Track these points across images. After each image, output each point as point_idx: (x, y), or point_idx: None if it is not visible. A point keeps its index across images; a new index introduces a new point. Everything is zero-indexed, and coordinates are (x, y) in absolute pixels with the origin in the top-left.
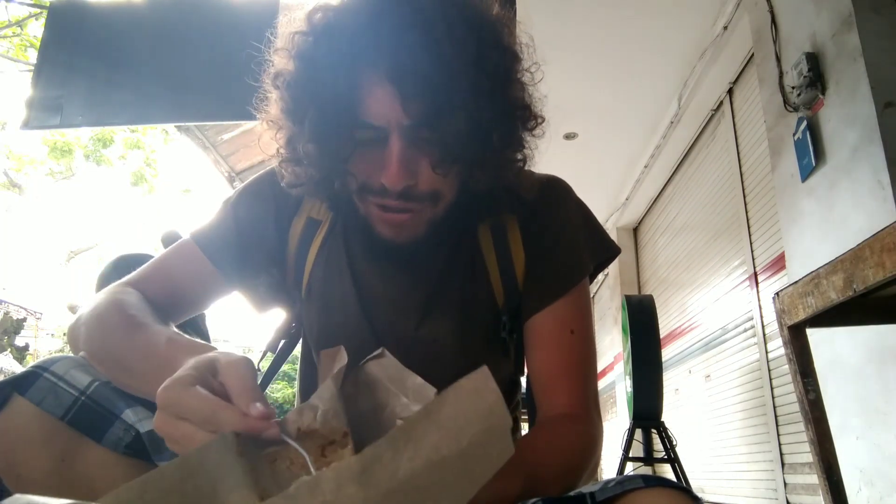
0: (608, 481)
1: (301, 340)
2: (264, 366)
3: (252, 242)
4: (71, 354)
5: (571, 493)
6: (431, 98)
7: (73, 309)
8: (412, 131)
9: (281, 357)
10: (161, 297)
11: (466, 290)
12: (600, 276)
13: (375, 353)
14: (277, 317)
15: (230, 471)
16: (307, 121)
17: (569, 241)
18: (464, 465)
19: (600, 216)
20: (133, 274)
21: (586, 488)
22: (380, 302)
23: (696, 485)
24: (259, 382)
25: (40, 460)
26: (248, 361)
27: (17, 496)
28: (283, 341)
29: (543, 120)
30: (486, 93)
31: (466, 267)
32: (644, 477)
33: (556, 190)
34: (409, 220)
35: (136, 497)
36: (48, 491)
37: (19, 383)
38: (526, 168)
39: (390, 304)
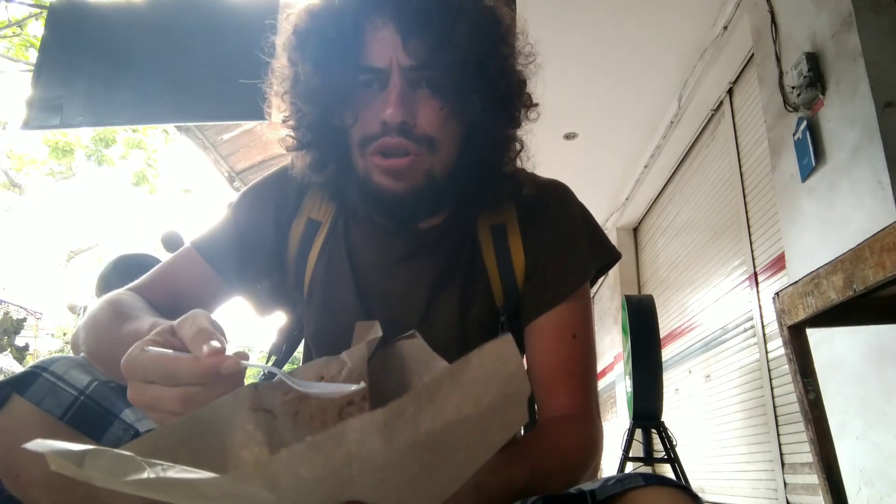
0: (608, 479)
1: (303, 343)
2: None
3: (252, 247)
4: (70, 354)
5: (572, 491)
6: (431, 39)
7: (73, 309)
8: (411, 72)
9: (283, 360)
10: (164, 302)
11: (466, 290)
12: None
13: (407, 334)
14: (280, 319)
15: (242, 426)
16: (313, 62)
17: (570, 245)
18: (483, 427)
19: (600, 216)
20: (136, 281)
21: (586, 486)
22: (381, 301)
23: (696, 485)
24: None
25: (40, 460)
26: (203, 312)
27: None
28: (284, 344)
29: (537, 104)
30: (483, 44)
31: (466, 266)
32: (644, 475)
33: (557, 193)
34: (408, 166)
35: (147, 452)
36: (48, 491)
37: (18, 383)
38: (526, 169)
39: (392, 304)
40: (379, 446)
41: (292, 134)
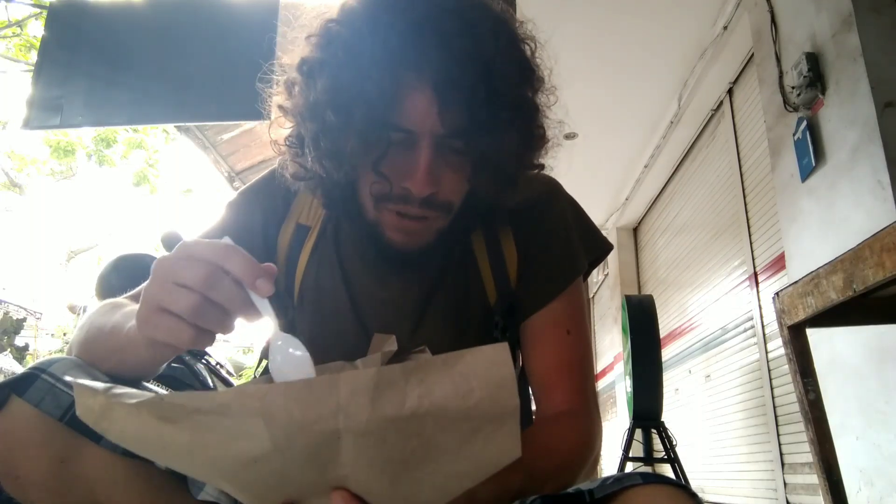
0: (607, 478)
1: None
2: (257, 373)
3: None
4: (69, 356)
5: (570, 491)
6: (470, 112)
7: (73, 309)
8: (443, 140)
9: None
10: None
11: (459, 291)
12: (600, 276)
13: (418, 349)
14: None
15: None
16: (334, 112)
17: (561, 240)
18: (466, 425)
19: (600, 216)
20: (134, 290)
21: (585, 485)
22: (375, 306)
23: (695, 484)
24: None
25: (39, 462)
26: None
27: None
28: None
29: (549, 141)
30: (516, 119)
31: (458, 268)
32: (642, 474)
33: (546, 189)
34: (423, 228)
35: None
36: (47, 493)
37: (17, 385)
38: None
39: (386, 309)
40: (366, 406)
41: (299, 162)
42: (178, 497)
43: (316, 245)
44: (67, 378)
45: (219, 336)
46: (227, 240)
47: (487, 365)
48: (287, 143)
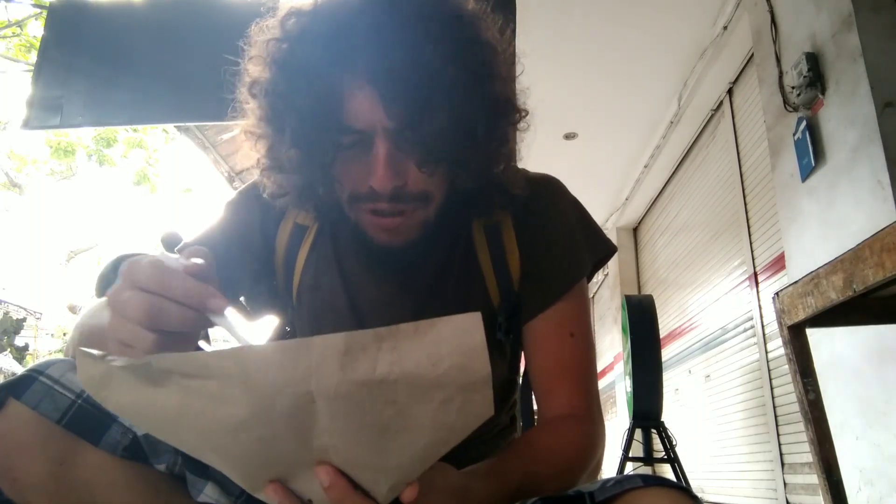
0: (607, 481)
1: None
2: None
3: (240, 252)
4: (67, 357)
5: (570, 493)
6: (413, 99)
7: (73, 309)
8: (396, 133)
9: None
10: None
11: (461, 292)
12: (600, 276)
13: None
14: (271, 322)
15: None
16: (288, 128)
17: (565, 241)
18: (438, 394)
19: (600, 216)
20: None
21: (585, 488)
22: (373, 306)
23: (695, 485)
24: None
25: (37, 464)
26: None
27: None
28: None
29: (527, 113)
30: (466, 90)
31: (461, 268)
32: (643, 476)
33: (549, 189)
34: (403, 224)
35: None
36: (45, 495)
37: (15, 387)
38: (519, 166)
39: (383, 308)
40: (336, 370)
41: (272, 181)
42: (176, 499)
43: (314, 244)
44: (67, 378)
45: (218, 336)
46: (174, 256)
47: (459, 332)
48: (261, 169)
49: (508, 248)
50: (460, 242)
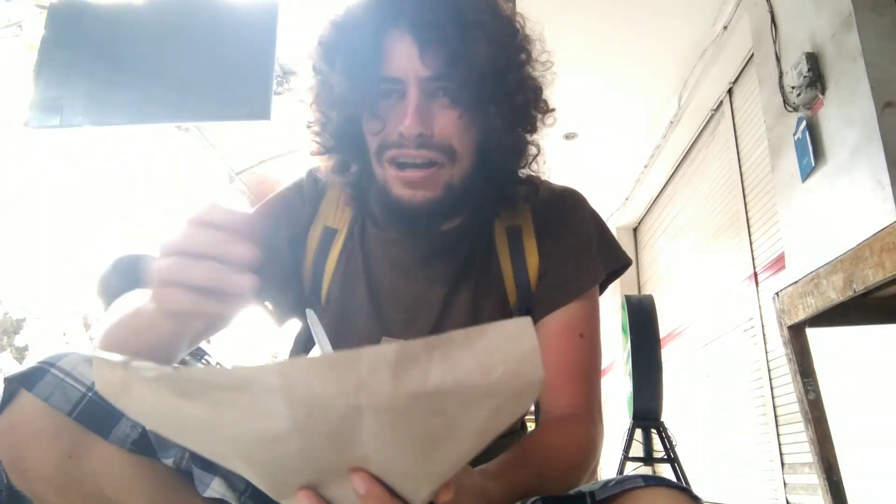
0: (608, 481)
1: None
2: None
3: (268, 259)
4: (77, 350)
5: (571, 492)
6: (447, 51)
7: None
8: (429, 83)
9: None
10: None
11: (480, 290)
12: None
13: None
14: (296, 326)
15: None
16: (335, 77)
17: (582, 248)
18: (489, 402)
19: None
20: None
21: (586, 487)
22: (396, 304)
23: (695, 484)
24: None
25: (47, 456)
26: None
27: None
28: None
29: (553, 109)
30: (499, 55)
31: (481, 267)
32: (644, 476)
33: (571, 199)
34: (426, 178)
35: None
36: (54, 487)
37: (26, 378)
38: (541, 175)
39: (407, 306)
40: (388, 382)
41: (317, 139)
42: (183, 493)
43: (343, 247)
44: (78, 371)
45: (217, 336)
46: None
47: (511, 338)
48: (308, 125)
49: (528, 250)
50: (482, 242)
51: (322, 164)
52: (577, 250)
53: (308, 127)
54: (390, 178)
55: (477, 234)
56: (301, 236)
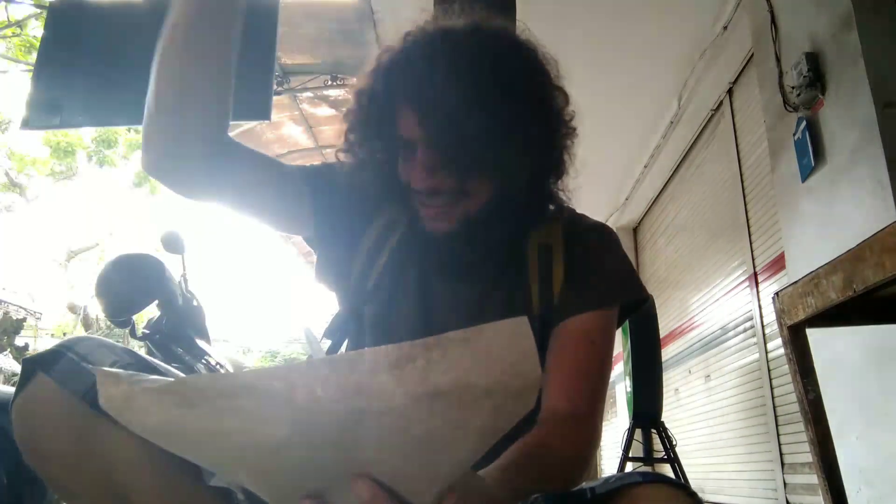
0: (608, 477)
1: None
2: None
3: (343, 210)
4: (94, 336)
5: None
6: (443, 119)
7: (73, 309)
8: (431, 142)
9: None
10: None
11: (512, 298)
12: None
13: None
14: (335, 306)
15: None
16: (366, 136)
17: (606, 269)
18: (488, 402)
19: (600, 216)
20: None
21: (586, 484)
22: (441, 297)
23: (695, 485)
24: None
25: (60, 438)
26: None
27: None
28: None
29: (574, 130)
30: (495, 112)
31: (513, 279)
32: (642, 473)
33: (603, 230)
34: (442, 213)
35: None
36: (65, 468)
37: (43, 361)
38: (572, 207)
39: (450, 301)
40: (388, 382)
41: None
42: (191, 480)
43: (401, 239)
44: (94, 356)
45: (219, 336)
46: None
47: (508, 338)
48: (357, 170)
49: (555, 268)
50: (515, 256)
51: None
52: (600, 269)
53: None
54: (420, 212)
55: (513, 246)
56: (369, 217)
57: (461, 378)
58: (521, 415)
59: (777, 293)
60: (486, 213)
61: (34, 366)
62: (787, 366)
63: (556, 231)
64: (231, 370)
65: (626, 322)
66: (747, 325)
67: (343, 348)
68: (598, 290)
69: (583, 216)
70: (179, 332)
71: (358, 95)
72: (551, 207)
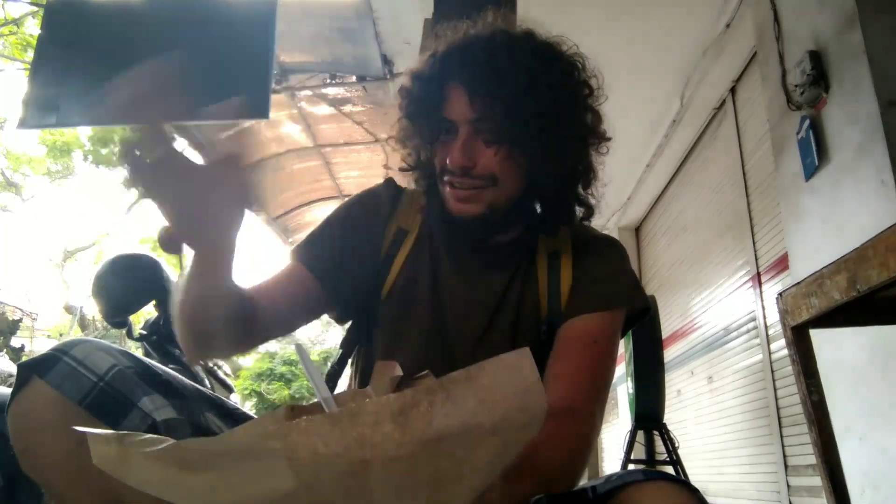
0: (610, 476)
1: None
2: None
3: (353, 248)
4: (91, 338)
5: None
6: (492, 98)
7: (69, 310)
8: (476, 124)
9: (342, 360)
10: (265, 307)
11: (523, 301)
12: None
13: (422, 374)
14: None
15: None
16: (414, 116)
17: (613, 276)
18: (495, 439)
19: (601, 216)
20: None
21: (587, 483)
22: (454, 302)
23: (698, 487)
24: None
25: (57, 443)
26: None
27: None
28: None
29: (610, 138)
30: (532, 100)
31: (523, 285)
32: (644, 471)
33: (611, 242)
34: (471, 197)
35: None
36: (62, 475)
37: (40, 365)
38: (591, 220)
39: (464, 305)
40: (392, 432)
41: (404, 160)
42: None
43: (413, 246)
44: (91, 360)
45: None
46: None
47: (511, 373)
48: (396, 148)
49: (563, 274)
50: (526, 262)
51: (407, 177)
52: (607, 276)
53: (395, 149)
54: (446, 195)
55: (523, 254)
56: (378, 233)
57: (467, 420)
58: (526, 443)
59: (780, 294)
60: (513, 205)
61: (30, 370)
62: (790, 367)
63: (564, 238)
64: (229, 371)
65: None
66: (750, 325)
67: (352, 357)
68: (603, 294)
69: (591, 227)
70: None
71: (413, 76)
72: (579, 212)
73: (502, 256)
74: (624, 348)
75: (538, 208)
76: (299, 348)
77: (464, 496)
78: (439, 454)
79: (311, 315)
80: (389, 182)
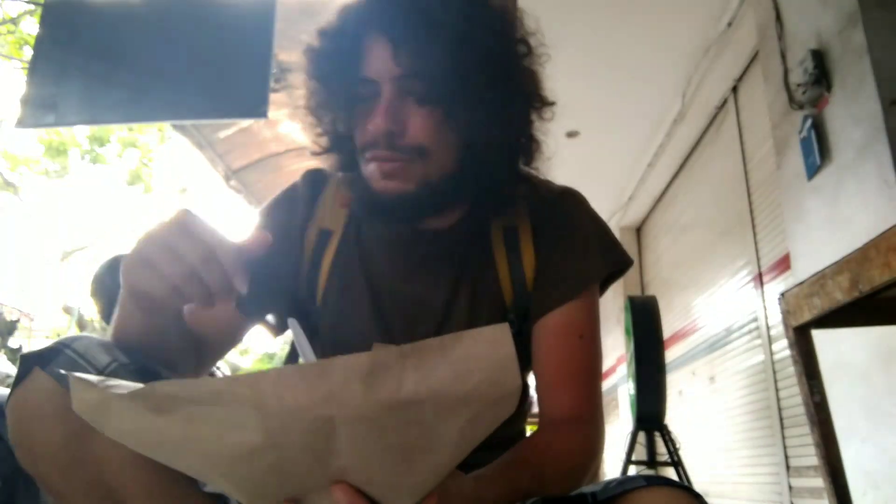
0: (610, 481)
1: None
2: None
3: (276, 260)
4: (92, 334)
5: (572, 493)
6: (419, 49)
7: (67, 310)
8: (401, 82)
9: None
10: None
11: (478, 293)
12: None
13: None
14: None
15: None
16: (318, 77)
17: (581, 247)
18: (466, 410)
19: (603, 216)
20: None
21: (588, 488)
22: (398, 308)
23: (699, 488)
24: None
25: (54, 436)
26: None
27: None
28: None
29: (553, 103)
30: (474, 52)
31: (478, 269)
32: (646, 477)
33: (570, 199)
34: (398, 170)
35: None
36: (58, 468)
37: (42, 357)
38: (541, 173)
39: (408, 310)
40: (360, 392)
41: (314, 140)
42: (184, 486)
43: (339, 248)
44: (91, 354)
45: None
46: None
47: (487, 346)
48: (304, 128)
49: (525, 251)
50: (479, 242)
51: (324, 163)
52: (574, 248)
53: (303, 129)
54: (368, 173)
55: (474, 234)
56: (297, 239)
57: (437, 387)
58: (501, 421)
59: (782, 294)
60: (447, 182)
61: (32, 361)
62: (792, 367)
63: (519, 209)
64: (228, 372)
65: (630, 323)
66: (752, 326)
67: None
68: (575, 274)
69: (543, 182)
70: None
71: (320, 34)
72: (515, 189)
73: (446, 245)
74: (626, 349)
75: (479, 184)
76: (293, 324)
77: (432, 472)
78: (407, 419)
79: (242, 332)
80: (308, 175)
